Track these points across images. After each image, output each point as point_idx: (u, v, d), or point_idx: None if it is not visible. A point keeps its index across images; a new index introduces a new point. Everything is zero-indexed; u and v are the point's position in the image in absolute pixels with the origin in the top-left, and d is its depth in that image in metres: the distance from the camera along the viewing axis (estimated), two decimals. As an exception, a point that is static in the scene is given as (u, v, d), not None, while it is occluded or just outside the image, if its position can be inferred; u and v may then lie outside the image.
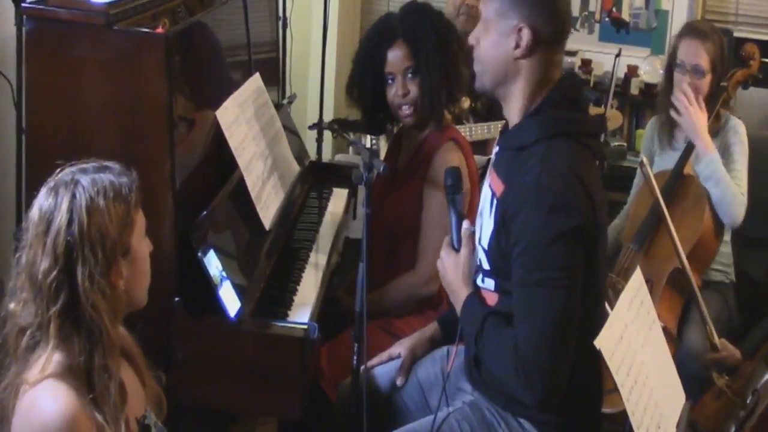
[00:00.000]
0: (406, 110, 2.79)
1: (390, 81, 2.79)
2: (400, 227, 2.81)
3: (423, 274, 2.74)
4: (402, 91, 2.77)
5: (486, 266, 2.10)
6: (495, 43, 2.05)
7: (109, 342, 1.66)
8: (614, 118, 3.72)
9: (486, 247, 2.08)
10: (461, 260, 2.15)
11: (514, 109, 2.09)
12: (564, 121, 2.06)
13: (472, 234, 2.17)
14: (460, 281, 2.14)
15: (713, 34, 3.26)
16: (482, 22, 2.08)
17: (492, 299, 2.10)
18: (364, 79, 2.87)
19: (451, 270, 2.16)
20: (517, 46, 2.03)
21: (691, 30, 3.28)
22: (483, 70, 2.09)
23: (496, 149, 2.18)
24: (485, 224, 2.09)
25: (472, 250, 2.15)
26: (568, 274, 1.93)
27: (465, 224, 2.17)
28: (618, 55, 3.77)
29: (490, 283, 2.11)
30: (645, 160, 3.18)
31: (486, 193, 2.13)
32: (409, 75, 2.76)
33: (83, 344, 1.64)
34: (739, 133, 3.27)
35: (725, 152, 3.25)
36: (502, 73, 2.06)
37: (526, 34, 2.02)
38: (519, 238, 1.95)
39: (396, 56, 2.77)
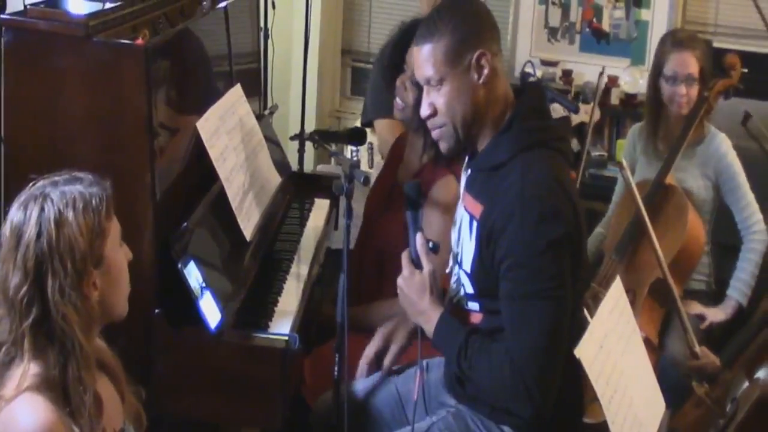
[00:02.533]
0: (398, 102, 2.79)
1: (405, 68, 2.77)
2: (393, 249, 2.78)
3: None
4: (400, 83, 2.76)
5: (470, 290, 2.10)
6: (458, 89, 2.03)
7: (83, 355, 1.65)
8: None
9: (469, 271, 2.08)
10: (425, 278, 2.09)
11: (486, 136, 2.09)
12: (536, 130, 2.07)
13: (433, 249, 2.12)
14: (428, 301, 2.08)
15: (698, 41, 3.34)
16: (430, 85, 2.05)
17: (476, 319, 2.11)
18: (391, 54, 2.87)
19: (417, 290, 2.09)
20: (480, 75, 2.03)
21: (677, 41, 3.31)
22: (452, 125, 2.06)
23: (467, 173, 2.17)
24: (466, 248, 2.09)
25: (434, 266, 2.11)
26: (559, 283, 1.95)
27: (419, 239, 2.12)
28: (602, 73, 3.82)
29: (474, 306, 2.11)
30: (624, 163, 3.21)
31: (463, 217, 2.13)
32: (414, 81, 2.70)
33: (57, 357, 1.64)
34: (729, 154, 3.30)
35: (722, 174, 3.29)
36: (473, 112, 2.05)
37: (486, 60, 2.02)
38: (508, 252, 1.95)
39: (412, 56, 2.74)
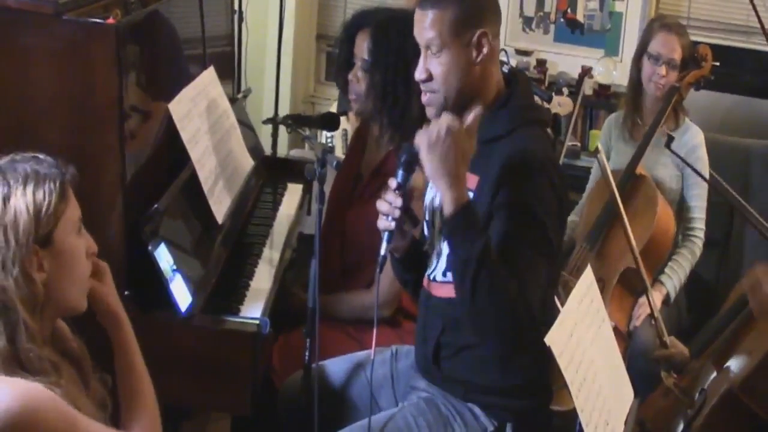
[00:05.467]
0: (351, 96, 2.79)
1: (354, 62, 2.78)
2: (359, 241, 2.78)
3: (379, 296, 2.69)
4: (352, 76, 2.77)
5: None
6: (455, 61, 2.04)
7: (28, 332, 1.64)
8: (566, 104, 3.78)
9: None
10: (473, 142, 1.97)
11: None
12: (534, 109, 2.16)
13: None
14: (464, 168, 1.94)
15: (685, 31, 3.39)
16: (430, 51, 2.05)
17: (448, 293, 2.09)
18: (338, 53, 2.89)
19: (467, 150, 1.93)
20: (479, 54, 2.04)
21: (665, 24, 3.37)
22: (444, 95, 2.06)
23: None
24: None
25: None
26: (555, 247, 2.04)
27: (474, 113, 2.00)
28: (583, 75, 3.84)
29: (450, 277, 2.09)
30: (601, 148, 3.23)
31: None
32: (364, 68, 2.73)
33: (4, 327, 1.63)
34: (700, 148, 3.34)
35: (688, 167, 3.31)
36: (466, 87, 2.06)
37: (487, 41, 2.04)
38: (519, 201, 1.98)
39: (361, 42, 2.74)
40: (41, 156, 1.72)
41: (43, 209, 1.66)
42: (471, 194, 2.04)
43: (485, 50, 2.04)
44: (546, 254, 2.01)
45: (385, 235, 1.98)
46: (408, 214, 2.01)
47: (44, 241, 1.67)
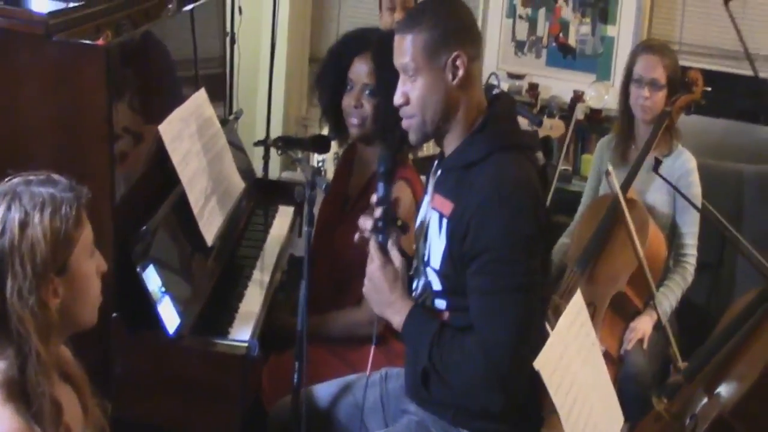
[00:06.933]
0: (354, 121, 2.78)
1: (349, 87, 2.78)
2: (349, 260, 2.77)
3: (369, 312, 2.61)
4: (355, 102, 2.76)
5: (437, 287, 2.10)
6: (431, 85, 2.04)
7: (39, 361, 1.61)
8: (558, 127, 3.78)
9: (437, 268, 2.08)
10: (399, 269, 2.10)
11: (456, 136, 2.10)
12: (511, 134, 2.12)
13: (402, 227, 2.13)
14: (400, 291, 2.09)
15: (669, 51, 3.38)
16: (406, 75, 2.06)
17: (442, 318, 2.10)
18: (326, 78, 2.88)
19: (391, 279, 2.09)
20: (454, 76, 2.04)
21: (647, 46, 3.38)
22: (422, 119, 2.07)
23: (436, 175, 2.17)
24: (434, 245, 2.09)
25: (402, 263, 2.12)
26: (531, 279, 1.98)
27: (390, 242, 2.11)
28: (576, 100, 3.84)
29: (441, 304, 2.11)
30: (611, 169, 3.23)
31: (430, 216, 2.12)
32: (367, 92, 2.74)
33: (15, 358, 1.61)
34: (692, 174, 3.32)
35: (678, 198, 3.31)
36: (443, 110, 2.06)
37: (462, 62, 2.03)
38: (485, 246, 1.96)
39: (360, 67, 2.75)
40: (55, 176, 1.70)
41: (60, 237, 1.63)
42: (446, 221, 2.05)
43: (461, 72, 2.03)
44: (528, 287, 1.98)
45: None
46: (395, 225, 2.09)
47: (60, 269, 1.66)
